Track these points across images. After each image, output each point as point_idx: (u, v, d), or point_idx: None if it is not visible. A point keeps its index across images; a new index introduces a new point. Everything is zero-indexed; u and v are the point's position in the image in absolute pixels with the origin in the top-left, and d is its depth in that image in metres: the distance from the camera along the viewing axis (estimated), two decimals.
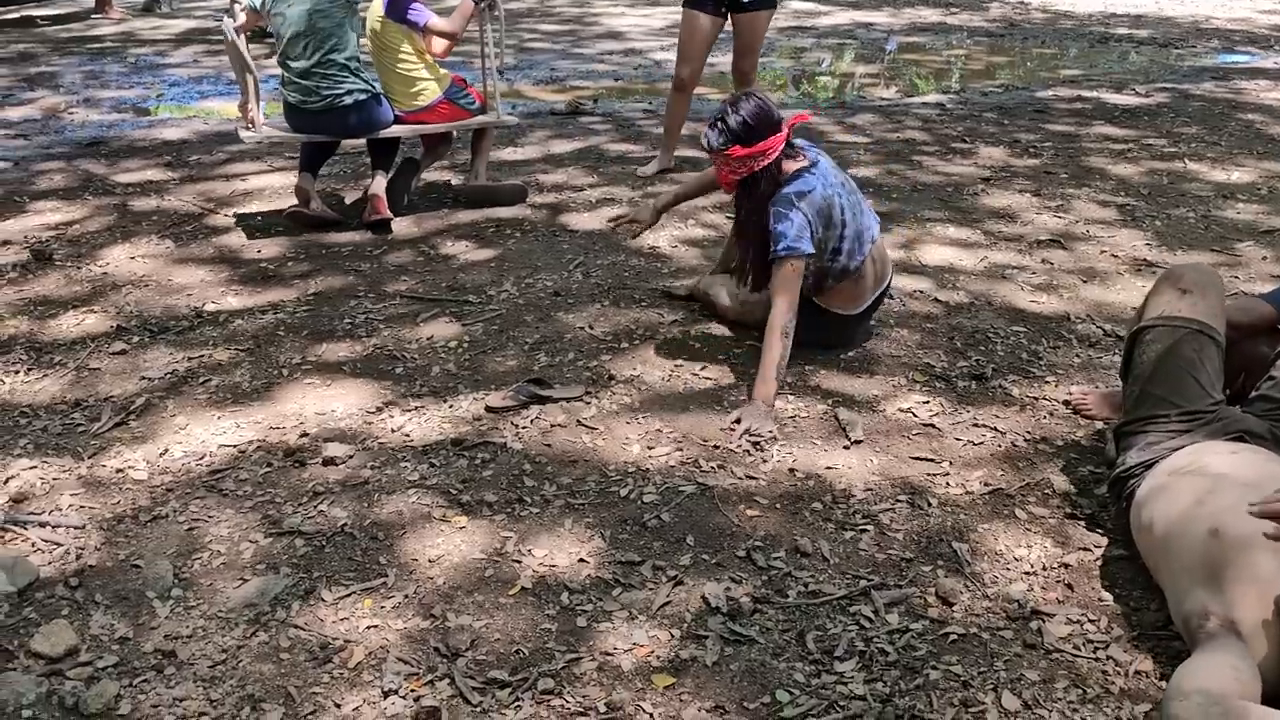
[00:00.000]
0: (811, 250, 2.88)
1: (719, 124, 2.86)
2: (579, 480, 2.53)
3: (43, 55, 8.07)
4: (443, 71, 4.35)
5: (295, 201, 4.28)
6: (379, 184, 4.22)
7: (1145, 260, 3.98)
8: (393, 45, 4.17)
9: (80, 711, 1.82)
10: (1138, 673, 1.93)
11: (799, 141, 3.04)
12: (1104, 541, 2.31)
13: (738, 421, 2.74)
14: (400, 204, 4.37)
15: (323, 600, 2.11)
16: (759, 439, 2.69)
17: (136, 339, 3.30)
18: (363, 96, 4.10)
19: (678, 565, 2.23)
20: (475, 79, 4.78)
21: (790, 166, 2.95)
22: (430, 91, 4.27)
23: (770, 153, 2.87)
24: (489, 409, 2.84)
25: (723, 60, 5.12)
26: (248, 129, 4.24)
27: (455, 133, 4.60)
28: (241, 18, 4.09)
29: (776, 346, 2.82)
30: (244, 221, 4.40)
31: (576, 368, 3.08)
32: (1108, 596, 2.14)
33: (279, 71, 4.19)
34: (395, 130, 4.29)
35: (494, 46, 4.46)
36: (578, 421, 2.79)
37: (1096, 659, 1.97)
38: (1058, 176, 5.08)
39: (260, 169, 5.15)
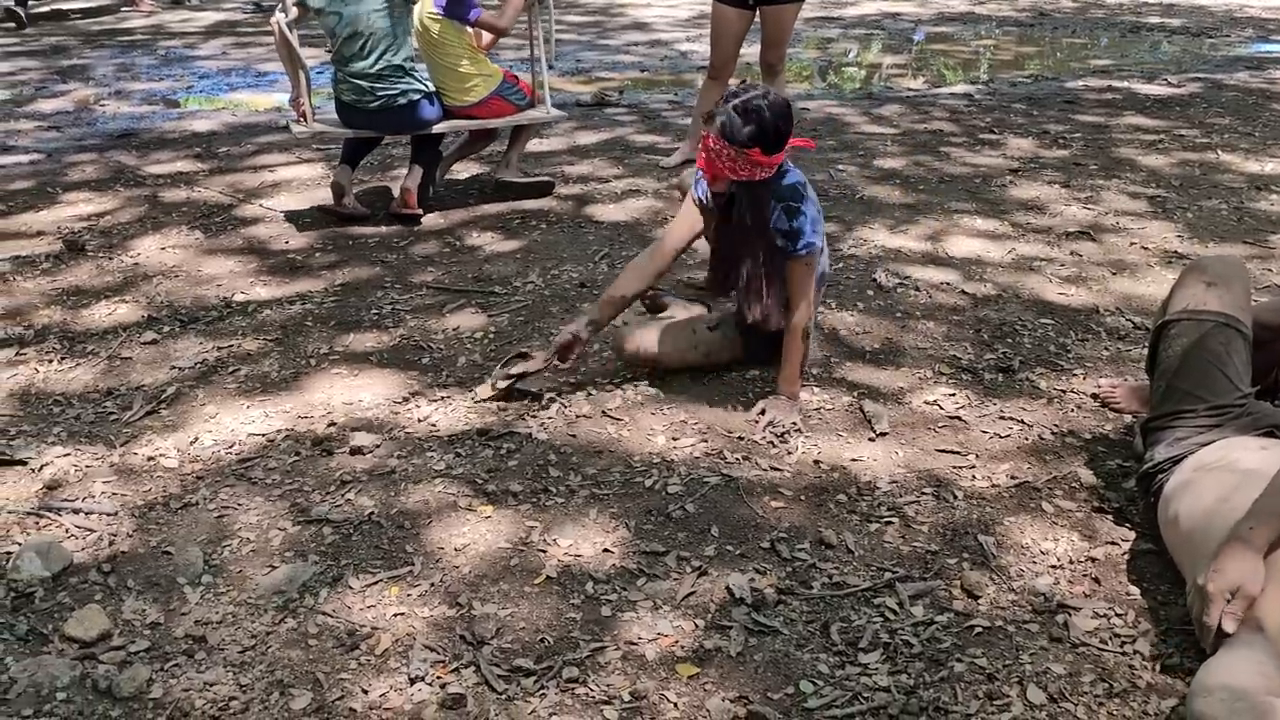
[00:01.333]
0: (822, 244, 2.79)
1: (754, 117, 2.54)
2: (604, 470, 2.54)
3: (74, 48, 8.16)
4: (494, 67, 4.36)
5: (329, 193, 4.32)
6: (414, 177, 4.24)
7: (1176, 252, 3.94)
8: (445, 41, 4.17)
9: (113, 695, 1.85)
10: (1165, 668, 1.92)
11: None
12: (1132, 536, 2.29)
13: (762, 413, 2.74)
14: (427, 196, 4.39)
15: (350, 588, 2.14)
16: (784, 430, 2.68)
17: (167, 329, 3.34)
18: (416, 96, 4.12)
19: (702, 556, 2.23)
20: (517, 68, 4.78)
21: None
22: (482, 87, 4.28)
23: (775, 168, 2.67)
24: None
25: (750, 51, 5.10)
26: (299, 123, 4.27)
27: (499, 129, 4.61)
28: (294, 12, 4.07)
29: (799, 348, 2.75)
30: (272, 212, 4.44)
31: (602, 359, 3.09)
32: (1135, 591, 2.13)
33: (324, 63, 4.18)
34: (444, 125, 4.31)
35: (544, 40, 4.45)
36: (603, 412, 2.80)
37: (1123, 653, 1.96)
38: (1087, 168, 5.03)
39: (289, 160, 5.19)
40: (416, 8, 4.14)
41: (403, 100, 4.10)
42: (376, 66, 4.03)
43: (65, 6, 9.96)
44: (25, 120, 6.01)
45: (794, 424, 2.71)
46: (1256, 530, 1.80)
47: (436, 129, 4.29)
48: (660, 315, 3.19)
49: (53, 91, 6.72)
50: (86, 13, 9.81)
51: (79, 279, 3.74)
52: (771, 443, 2.66)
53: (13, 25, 8.90)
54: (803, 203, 2.69)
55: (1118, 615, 2.05)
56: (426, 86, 4.17)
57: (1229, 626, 1.74)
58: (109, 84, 6.94)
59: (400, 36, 4.04)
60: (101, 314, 3.45)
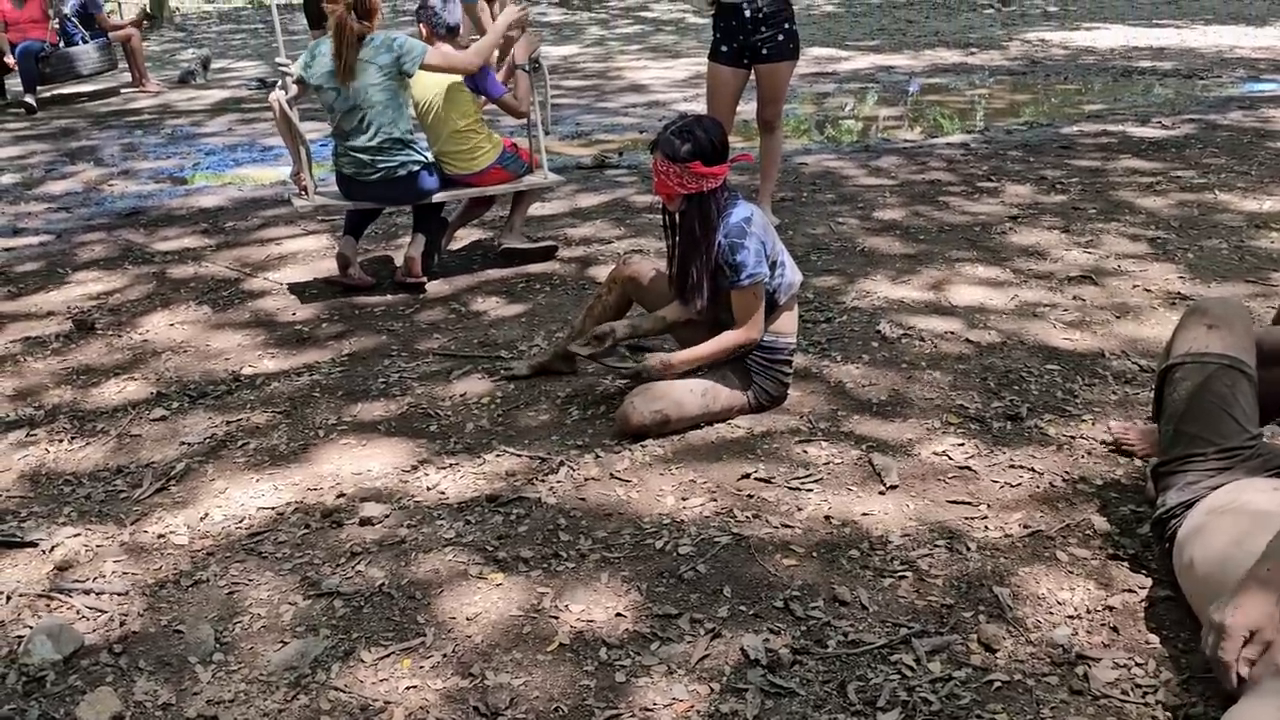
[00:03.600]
0: (767, 272, 2.97)
1: (689, 136, 2.88)
2: (614, 533, 2.53)
3: (83, 130, 8.31)
4: (497, 136, 4.46)
5: (334, 265, 4.37)
6: (417, 246, 4.30)
7: (1179, 293, 3.95)
8: (457, 110, 4.27)
9: None
10: (1188, 718, 1.89)
11: None
12: (1149, 582, 2.27)
13: (638, 377, 3.08)
14: (431, 264, 4.44)
15: (362, 661, 2.12)
16: (641, 376, 3.03)
17: (176, 404, 3.36)
18: (416, 167, 4.19)
19: (715, 617, 2.21)
20: (515, 134, 4.87)
21: (723, 195, 3.01)
22: (486, 156, 4.37)
23: (720, 178, 2.95)
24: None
25: (747, 109, 5.17)
26: (301, 197, 4.34)
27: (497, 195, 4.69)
28: (294, 89, 4.16)
29: (719, 351, 3.01)
30: (279, 285, 4.48)
31: (609, 420, 3.09)
32: (1155, 639, 2.10)
33: (326, 136, 4.27)
34: (445, 195, 4.37)
35: (540, 107, 4.53)
36: (611, 474, 2.80)
37: (1145, 704, 1.93)
38: (1086, 212, 5.06)
39: (294, 233, 5.25)
40: (436, 76, 4.22)
41: (402, 171, 4.16)
42: (376, 139, 4.09)
43: (73, 90, 10.16)
44: (35, 202, 6.11)
45: (650, 380, 3.03)
46: (1275, 569, 1.78)
47: (437, 198, 4.35)
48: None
49: (61, 173, 6.83)
50: (94, 95, 10.00)
51: (89, 358, 3.77)
52: (620, 373, 3.10)
53: (23, 111, 9.08)
54: (745, 238, 2.92)
55: (1138, 665, 2.03)
56: (425, 157, 4.24)
57: (1244, 671, 1.72)
58: (116, 164, 7.06)
59: (399, 109, 4.12)
60: (111, 392, 3.48)
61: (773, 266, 2.99)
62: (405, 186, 4.21)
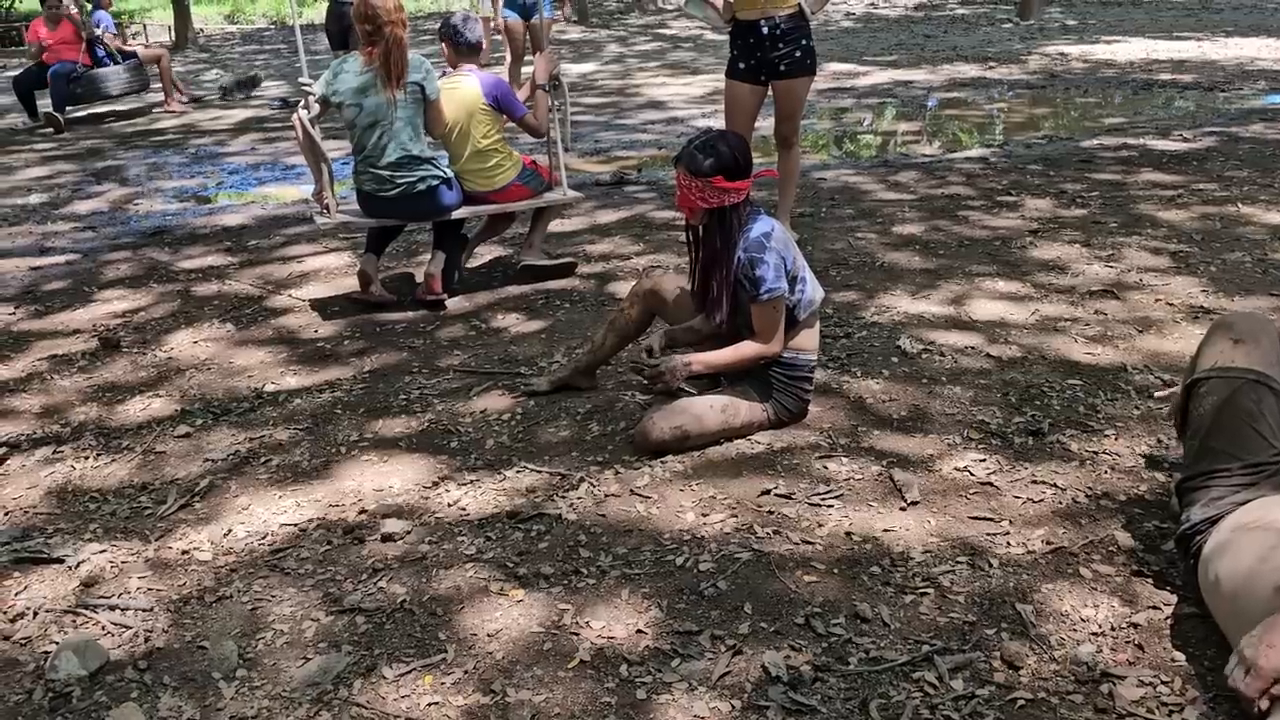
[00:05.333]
0: (786, 287, 2.98)
1: (712, 151, 2.90)
2: (634, 550, 2.53)
3: (109, 150, 8.42)
4: (517, 155, 4.50)
5: (355, 282, 4.42)
6: (437, 263, 4.33)
7: (1201, 307, 3.92)
8: (480, 128, 4.31)
9: None
10: None
11: None
12: (1174, 599, 2.25)
13: (649, 352, 3.08)
14: (452, 281, 4.47)
15: (384, 678, 2.13)
16: (658, 375, 3.00)
17: (200, 421, 3.39)
18: (435, 182, 4.23)
19: (736, 634, 2.21)
20: (530, 151, 4.91)
21: (745, 210, 3.03)
22: (507, 173, 4.42)
23: (743, 193, 2.96)
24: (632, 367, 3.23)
25: (765, 125, 5.19)
26: (323, 215, 4.38)
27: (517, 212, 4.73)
28: (316, 109, 4.21)
29: (742, 359, 3.01)
30: (301, 302, 4.52)
31: (629, 436, 3.10)
32: (1180, 657, 2.08)
33: (347, 155, 4.32)
34: (465, 211, 4.41)
35: (560, 124, 4.57)
36: (631, 490, 2.80)
37: None
38: (1107, 225, 5.04)
39: (316, 250, 5.30)
40: (458, 96, 4.26)
41: (421, 187, 4.20)
42: (395, 155, 4.14)
43: (101, 110, 10.30)
44: (62, 222, 6.19)
45: (668, 378, 3.01)
46: None
47: (457, 215, 4.39)
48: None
49: (88, 193, 6.92)
50: (121, 115, 10.13)
51: (114, 375, 3.81)
52: (638, 369, 3.07)
53: (51, 130, 9.21)
54: (764, 253, 2.93)
55: (1164, 683, 2.01)
56: (445, 173, 4.28)
57: (1264, 705, 1.70)
58: (142, 183, 7.14)
59: (418, 126, 4.16)
60: (136, 409, 3.51)
61: (792, 282, 3.00)
62: (425, 202, 4.25)
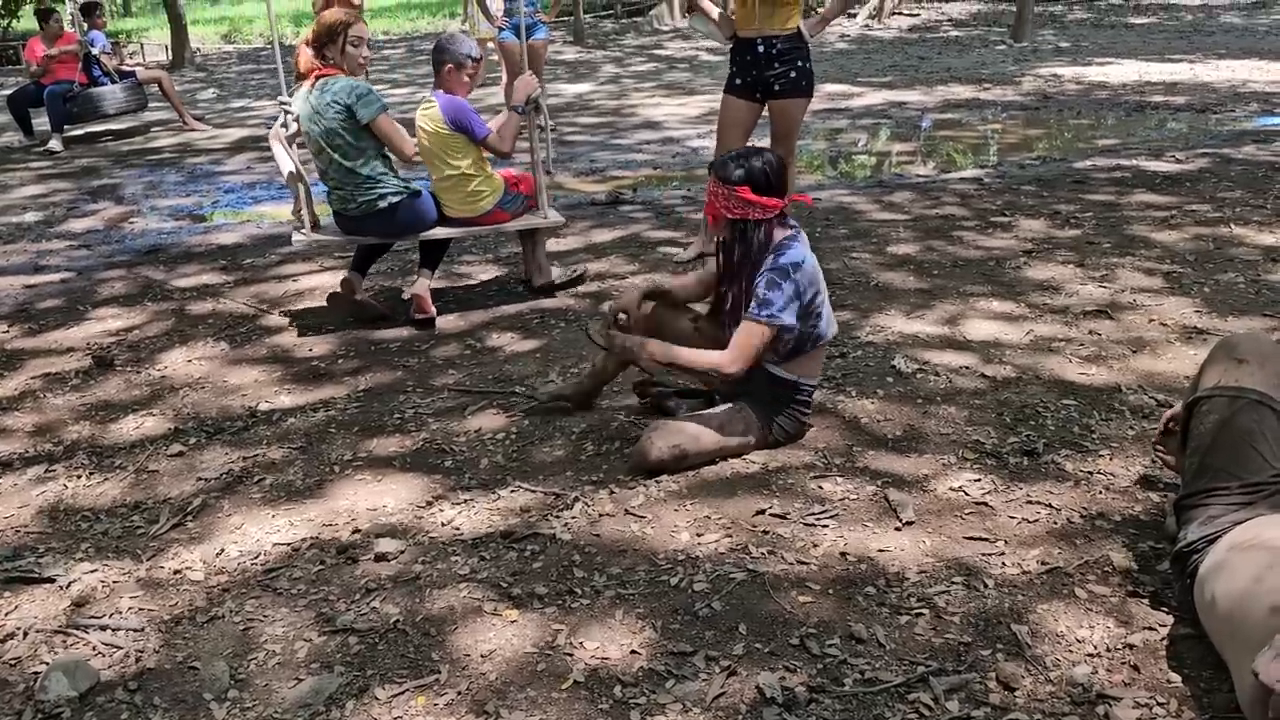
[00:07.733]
0: (792, 323, 2.94)
1: (743, 161, 2.94)
2: (629, 570, 2.52)
3: (105, 168, 8.42)
4: (498, 180, 4.47)
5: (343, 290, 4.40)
6: (422, 284, 4.33)
7: (1195, 328, 3.93)
8: (449, 150, 4.28)
9: None
10: None
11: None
12: (1169, 620, 2.25)
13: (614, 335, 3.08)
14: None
15: (376, 698, 2.11)
16: (616, 343, 3.02)
17: (193, 440, 3.38)
18: (397, 198, 4.24)
19: (731, 655, 2.20)
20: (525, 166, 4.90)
21: (779, 234, 3.02)
22: (487, 200, 4.40)
23: (769, 210, 2.95)
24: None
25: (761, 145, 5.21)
26: (299, 232, 4.40)
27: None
28: (294, 127, 4.27)
29: (694, 358, 2.97)
30: (296, 321, 4.52)
31: (624, 455, 3.09)
32: (1176, 677, 2.08)
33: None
34: (445, 231, 4.41)
35: (541, 146, 4.56)
36: (625, 510, 2.79)
37: None
38: (1100, 246, 5.06)
39: (311, 269, 5.30)
40: (427, 119, 4.25)
41: (383, 204, 4.22)
42: (339, 176, 4.20)
43: (98, 129, 10.30)
44: (57, 240, 6.19)
45: (621, 353, 3.04)
46: None
47: (441, 234, 4.38)
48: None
49: (83, 211, 6.92)
50: (118, 134, 10.15)
51: (107, 394, 3.80)
52: (605, 326, 3.10)
53: (46, 152, 9.21)
54: (785, 280, 2.91)
55: (1159, 704, 2.00)
56: (408, 187, 4.28)
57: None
58: (138, 201, 7.14)
59: (362, 150, 4.17)
60: (129, 428, 3.50)
61: (807, 316, 2.98)
62: (390, 218, 4.26)
